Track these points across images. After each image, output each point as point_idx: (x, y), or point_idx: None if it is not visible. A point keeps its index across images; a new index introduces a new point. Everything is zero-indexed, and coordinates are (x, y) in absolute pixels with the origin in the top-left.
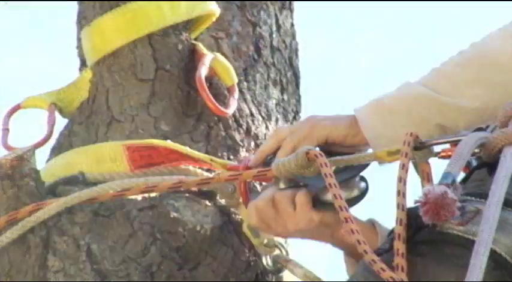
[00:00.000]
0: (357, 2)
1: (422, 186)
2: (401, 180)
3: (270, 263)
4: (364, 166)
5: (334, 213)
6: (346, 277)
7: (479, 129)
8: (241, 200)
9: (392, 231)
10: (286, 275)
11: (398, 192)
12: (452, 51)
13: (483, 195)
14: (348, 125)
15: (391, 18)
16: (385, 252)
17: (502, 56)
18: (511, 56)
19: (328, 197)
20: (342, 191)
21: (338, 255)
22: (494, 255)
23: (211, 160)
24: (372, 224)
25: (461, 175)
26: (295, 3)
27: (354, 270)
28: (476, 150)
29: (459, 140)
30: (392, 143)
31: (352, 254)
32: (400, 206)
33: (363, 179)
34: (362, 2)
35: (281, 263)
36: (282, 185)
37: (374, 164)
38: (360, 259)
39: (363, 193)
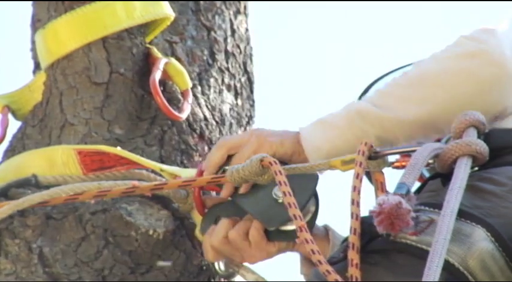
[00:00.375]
0: (322, 9)
1: (376, 196)
2: (356, 190)
3: (222, 267)
4: (314, 187)
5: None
6: (299, 277)
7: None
8: (194, 205)
9: (346, 240)
10: (238, 280)
11: (353, 201)
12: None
13: (437, 206)
14: (294, 142)
15: (354, 25)
16: (339, 262)
17: (442, 75)
18: (452, 75)
19: (286, 227)
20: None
21: (290, 259)
22: (447, 266)
23: (161, 170)
24: (326, 230)
25: (415, 185)
26: (252, 6)
27: (307, 270)
28: (431, 161)
29: (413, 151)
30: (330, 156)
31: (309, 259)
32: (354, 216)
33: (314, 196)
34: (326, 10)
35: (233, 268)
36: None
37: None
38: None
39: (314, 216)
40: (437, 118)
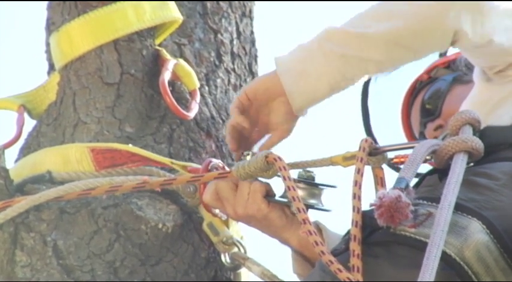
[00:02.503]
0: (322, 5)
1: (376, 190)
2: (357, 184)
3: (228, 260)
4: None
5: (281, 215)
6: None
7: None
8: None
9: (348, 233)
10: (244, 272)
11: (354, 195)
12: None
13: (435, 200)
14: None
15: None
16: (341, 253)
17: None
18: None
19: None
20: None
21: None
22: (444, 256)
23: (172, 162)
24: (318, 227)
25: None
26: (257, 9)
27: (300, 269)
28: (428, 157)
29: (412, 147)
30: (303, 78)
31: (299, 253)
32: (356, 209)
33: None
34: (330, 11)
35: (239, 261)
36: None
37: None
38: (307, 258)
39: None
40: (402, 33)
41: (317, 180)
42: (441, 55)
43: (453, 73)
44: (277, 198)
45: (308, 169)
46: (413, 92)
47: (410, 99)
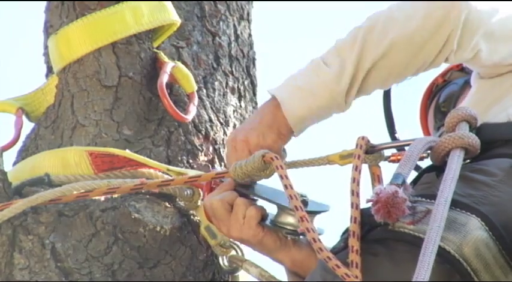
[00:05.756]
0: (320, 8)
1: (373, 188)
2: (355, 181)
3: (226, 263)
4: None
5: (275, 239)
6: None
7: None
8: (199, 203)
9: (346, 231)
10: (242, 274)
11: (352, 192)
12: None
13: (433, 197)
14: (274, 125)
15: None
16: (340, 251)
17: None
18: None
19: (281, 219)
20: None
21: None
22: (443, 253)
23: (168, 169)
24: None
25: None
26: (254, 12)
27: None
28: (424, 155)
29: (408, 144)
30: (308, 121)
31: (294, 273)
32: (354, 205)
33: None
34: (325, 8)
35: (237, 263)
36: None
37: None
38: (301, 276)
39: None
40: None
41: (309, 206)
42: None
43: (466, 76)
44: (270, 224)
45: (301, 193)
46: (430, 95)
47: (428, 103)
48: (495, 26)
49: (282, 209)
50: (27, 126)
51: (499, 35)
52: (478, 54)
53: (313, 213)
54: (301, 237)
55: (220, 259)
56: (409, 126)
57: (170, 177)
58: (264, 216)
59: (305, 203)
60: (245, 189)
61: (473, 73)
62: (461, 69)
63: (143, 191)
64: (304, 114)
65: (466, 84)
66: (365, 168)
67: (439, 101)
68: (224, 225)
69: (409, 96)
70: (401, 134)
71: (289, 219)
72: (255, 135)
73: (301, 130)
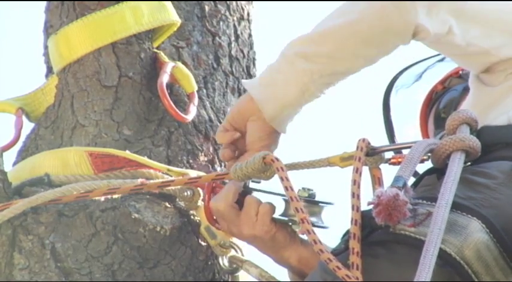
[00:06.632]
0: (319, 8)
1: (374, 190)
2: (356, 183)
3: (226, 263)
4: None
5: (285, 234)
6: None
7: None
8: (199, 203)
9: (347, 233)
10: (242, 274)
11: (353, 194)
12: None
13: (434, 199)
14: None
15: None
16: (341, 253)
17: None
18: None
19: (291, 211)
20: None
21: None
22: (444, 255)
23: (168, 170)
24: None
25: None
26: (255, 12)
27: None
28: (425, 158)
29: (409, 147)
30: (269, 86)
31: (298, 272)
32: (355, 208)
33: None
34: (324, 9)
35: (237, 263)
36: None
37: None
38: (303, 275)
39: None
40: (359, 27)
41: (317, 198)
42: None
43: (465, 82)
44: (281, 217)
45: (308, 187)
46: (430, 102)
47: (427, 110)
48: (467, 5)
49: (289, 202)
50: (27, 126)
51: (471, 15)
52: (451, 29)
53: (321, 205)
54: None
55: (220, 259)
56: (408, 134)
57: (170, 178)
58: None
59: (313, 195)
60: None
61: (471, 77)
62: (460, 76)
63: (143, 191)
64: (268, 94)
65: (466, 91)
66: (365, 170)
67: (439, 107)
68: (235, 226)
69: (408, 104)
70: (400, 139)
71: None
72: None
73: (275, 117)
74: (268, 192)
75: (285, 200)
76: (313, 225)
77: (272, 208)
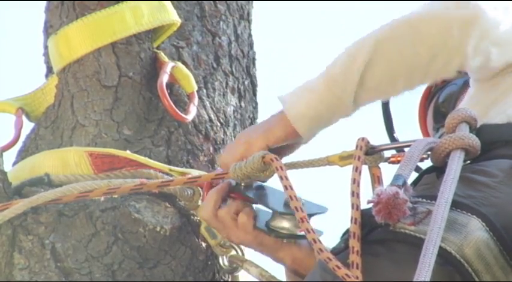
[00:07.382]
0: (319, 8)
1: (373, 189)
2: (355, 182)
3: (226, 263)
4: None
5: (275, 239)
6: None
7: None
8: (199, 203)
9: (346, 232)
10: (242, 274)
11: (353, 193)
12: None
13: (433, 197)
14: (281, 123)
15: (351, 24)
16: (340, 252)
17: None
18: (422, 15)
19: (275, 223)
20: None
21: None
22: (444, 253)
23: (170, 170)
24: None
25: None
26: (254, 12)
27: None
28: (425, 156)
29: (409, 146)
30: (315, 123)
31: (293, 271)
32: (355, 206)
33: None
34: (324, 9)
35: (237, 263)
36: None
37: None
38: (302, 275)
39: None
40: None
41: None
42: None
43: (465, 76)
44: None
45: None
46: (429, 96)
47: (426, 104)
48: (503, 34)
49: (276, 213)
50: (27, 126)
51: (504, 41)
52: (489, 57)
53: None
54: (296, 241)
55: (220, 259)
56: (408, 128)
57: (170, 178)
58: (256, 218)
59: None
60: (239, 190)
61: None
62: None
63: (143, 191)
64: (303, 111)
65: (466, 85)
66: (365, 169)
67: (439, 101)
68: (223, 233)
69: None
70: (400, 135)
71: (284, 224)
72: (258, 130)
73: (306, 130)
74: (252, 200)
75: (273, 210)
76: (303, 237)
77: (250, 218)
